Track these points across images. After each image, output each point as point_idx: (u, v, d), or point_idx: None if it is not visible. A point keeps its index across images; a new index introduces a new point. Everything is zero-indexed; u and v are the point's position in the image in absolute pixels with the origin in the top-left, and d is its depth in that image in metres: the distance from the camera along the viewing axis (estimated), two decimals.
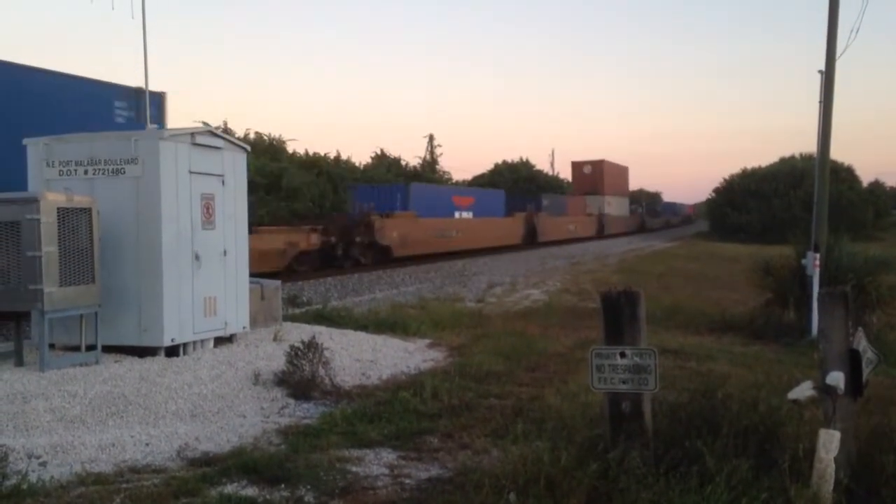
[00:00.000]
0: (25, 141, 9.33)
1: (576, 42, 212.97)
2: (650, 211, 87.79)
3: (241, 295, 10.15)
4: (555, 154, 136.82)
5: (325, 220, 27.22)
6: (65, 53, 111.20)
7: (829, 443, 4.53)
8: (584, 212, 56.92)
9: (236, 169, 10.04)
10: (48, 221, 7.90)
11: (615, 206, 65.52)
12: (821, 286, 11.55)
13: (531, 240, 43.67)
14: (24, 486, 5.01)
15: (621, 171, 70.63)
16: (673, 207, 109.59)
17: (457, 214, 37.26)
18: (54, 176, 9.02)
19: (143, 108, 11.96)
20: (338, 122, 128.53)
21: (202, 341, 9.45)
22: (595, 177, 62.12)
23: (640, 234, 69.06)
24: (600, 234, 57.31)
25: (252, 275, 10.92)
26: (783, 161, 63.76)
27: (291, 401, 7.83)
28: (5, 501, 4.77)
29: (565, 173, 73.59)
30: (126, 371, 8.06)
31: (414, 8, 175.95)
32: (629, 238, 59.99)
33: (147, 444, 6.21)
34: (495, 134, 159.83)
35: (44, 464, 5.66)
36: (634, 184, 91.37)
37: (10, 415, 6.59)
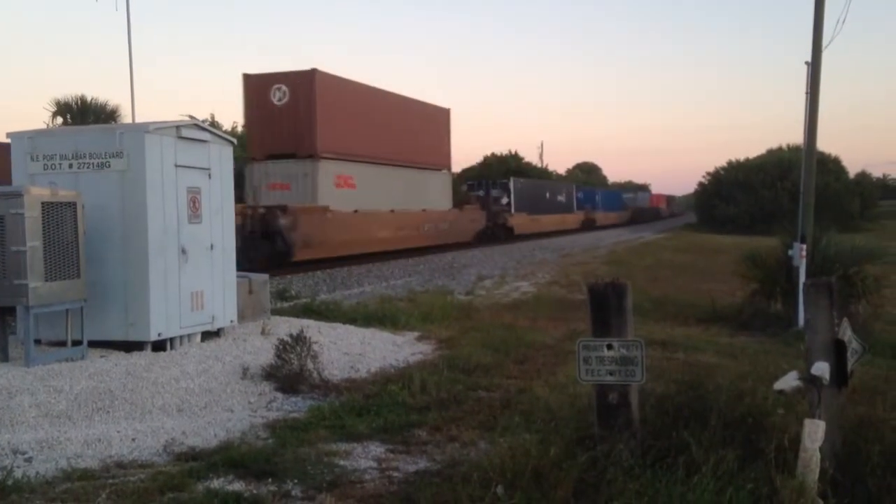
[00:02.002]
0: (9, 134, 9.25)
1: (564, 35, 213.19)
2: (527, 197, 47.36)
3: (229, 289, 10.11)
4: (543, 146, 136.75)
5: None
6: (48, 44, 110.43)
7: (815, 433, 4.55)
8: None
9: (223, 162, 9.98)
10: (32, 216, 7.84)
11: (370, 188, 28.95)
12: (807, 277, 11.60)
13: None
14: (10, 482, 4.98)
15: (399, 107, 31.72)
16: (614, 199, 76.45)
17: None
18: (39, 170, 8.94)
19: None
20: None
21: (189, 336, 9.41)
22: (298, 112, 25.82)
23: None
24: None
25: (242, 269, 10.89)
26: (770, 152, 64.09)
27: (279, 395, 7.81)
28: None
29: (554, 165, 72.84)
30: (112, 366, 8.02)
31: (401, 1, 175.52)
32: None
33: (133, 440, 6.18)
34: (484, 126, 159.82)
35: (29, 460, 5.63)
36: (622, 176, 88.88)
37: None
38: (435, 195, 34.32)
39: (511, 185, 46.02)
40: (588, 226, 60.89)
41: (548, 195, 54.09)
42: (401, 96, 31.77)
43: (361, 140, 27.90)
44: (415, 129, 32.08)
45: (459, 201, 39.12)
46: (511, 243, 39.09)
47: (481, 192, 44.16)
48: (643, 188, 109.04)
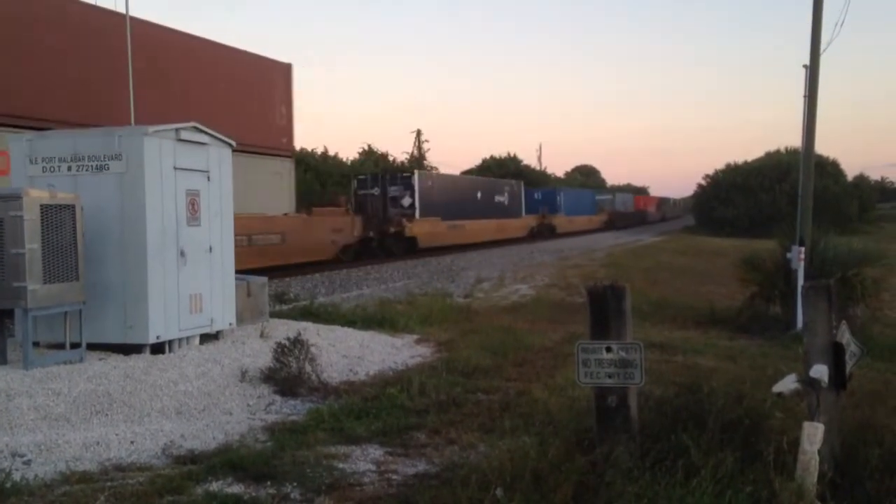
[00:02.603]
0: (8, 137, 9.25)
1: (562, 37, 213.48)
2: (441, 197, 37.27)
3: (228, 291, 10.11)
4: (542, 148, 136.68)
5: None
6: None
7: (813, 435, 4.55)
8: None
9: (222, 165, 9.98)
10: (31, 218, 7.84)
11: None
12: (806, 280, 11.60)
13: None
14: (8, 485, 4.97)
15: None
16: (581, 200, 63.56)
17: None
18: (38, 173, 8.94)
19: None
20: (325, 118, 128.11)
21: (188, 338, 9.40)
22: None
23: None
24: None
25: (241, 271, 10.88)
26: (769, 155, 64.17)
27: (278, 397, 7.81)
28: None
29: (553, 168, 72.13)
30: (111, 369, 8.01)
31: (399, 3, 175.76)
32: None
33: (132, 443, 6.17)
34: (483, 129, 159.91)
35: (28, 462, 5.62)
36: (621, 178, 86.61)
37: None
38: (264, 194, 21.83)
39: (415, 180, 35.40)
40: (543, 233, 49.55)
41: (479, 195, 42.59)
42: (196, 38, 19.94)
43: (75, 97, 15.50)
44: (222, 93, 20.16)
45: (319, 203, 29.30)
46: (402, 261, 28.86)
47: (376, 191, 34.49)
48: (622, 189, 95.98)
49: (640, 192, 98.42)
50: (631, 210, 78.89)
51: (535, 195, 54.32)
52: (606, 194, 77.20)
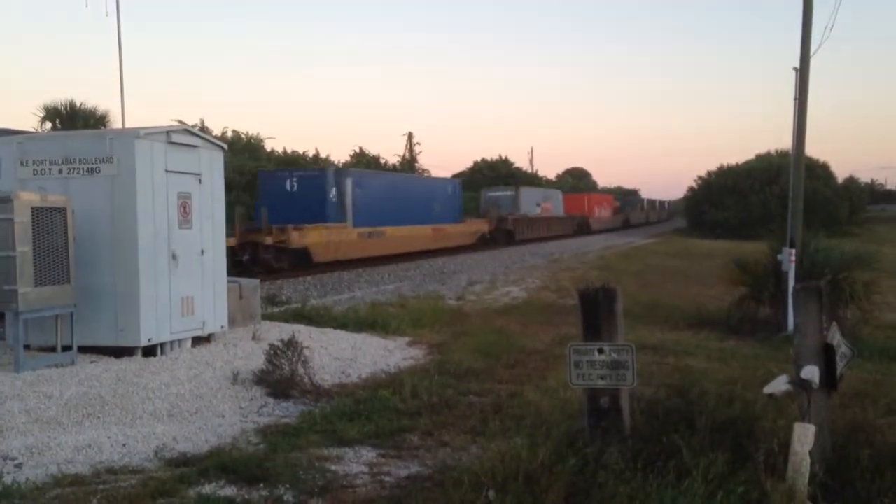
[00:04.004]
0: None
1: (552, 39, 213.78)
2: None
3: (219, 294, 10.09)
4: (533, 151, 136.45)
5: None
6: (37, 49, 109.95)
7: (804, 436, 4.58)
8: None
9: (213, 167, 9.96)
10: (22, 221, 7.81)
11: None
12: (796, 282, 11.66)
13: None
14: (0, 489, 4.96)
15: None
16: (430, 201, 34.59)
17: None
18: (28, 175, 8.91)
19: None
20: (316, 121, 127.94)
21: (180, 341, 9.38)
22: None
23: None
24: None
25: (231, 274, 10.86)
26: (759, 158, 64.39)
27: (270, 400, 7.80)
28: None
29: (545, 170, 69.58)
30: (102, 371, 7.99)
31: (391, 5, 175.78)
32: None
33: (124, 445, 6.16)
34: (474, 132, 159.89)
35: (19, 466, 5.60)
36: (613, 181, 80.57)
37: None
38: None
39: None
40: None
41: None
42: None
43: None
44: None
45: None
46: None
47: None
48: (550, 189, 62.55)
49: (554, 189, 63.67)
50: (558, 215, 54.15)
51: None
52: (507, 191, 48.63)
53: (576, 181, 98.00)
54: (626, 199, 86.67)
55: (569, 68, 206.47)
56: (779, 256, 13.06)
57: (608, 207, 69.28)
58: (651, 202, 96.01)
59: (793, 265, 12.64)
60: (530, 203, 48.92)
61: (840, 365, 5.06)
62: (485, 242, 40.76)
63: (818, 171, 57.49)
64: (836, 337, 5.12)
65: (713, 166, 69.25)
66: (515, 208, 46.03)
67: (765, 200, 54.99)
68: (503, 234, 43.02)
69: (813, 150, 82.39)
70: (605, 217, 66.77)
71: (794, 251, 12.75)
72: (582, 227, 58.41)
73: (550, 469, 4.70)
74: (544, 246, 42.24)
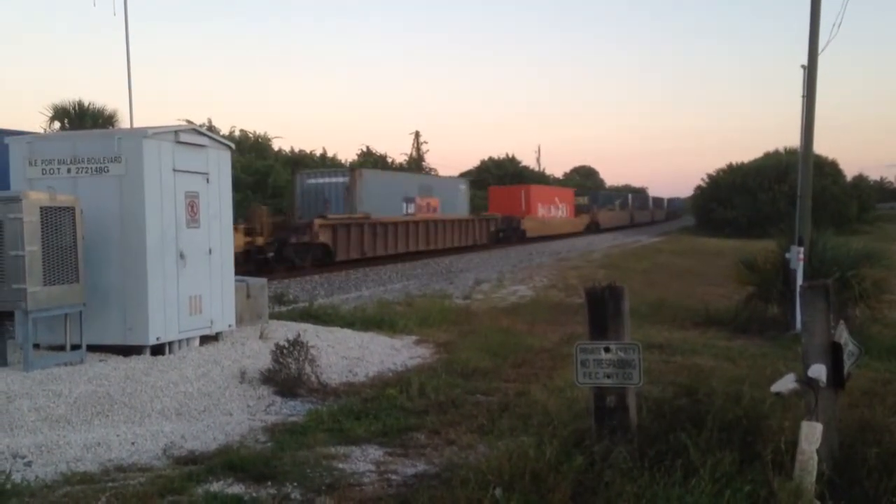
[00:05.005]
0: (8, 139, 9.27)
1: (561, 37, 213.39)
2: None
3: (227, 293, 10.12)
4: (541, 150, 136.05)
5: None
6: (45, 49, 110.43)
7: (812, 435, 4.57)
8: None
9: (221, 167, 10.00)
10: (31, 221, 7.86)
11: None
12: (805, 280, 11.62)
13: None
14: (9, 486, 4.99)
15: None
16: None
17: None
18: (37, 175, 8.96)
19: None
20: (323, 120, 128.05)
21: (188, 340, 9.42)
22: None
23: None
24: None
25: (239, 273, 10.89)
26: (768, 156, 64.16)
27: (278, 398, 7.82)
28: None
29: (552, 169, 66.90)
30: (111, 370, 8.03)
31: (398, 4, 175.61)
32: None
33: (133, 443, 6.19)
34: (481, 130, 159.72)
35: (29, 463, 5.64)
36: (621, 179, 73.65)
37: None
38: None
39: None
40: None
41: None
42: None
43: None
44: None
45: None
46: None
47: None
48: (442, 178, 52.58)
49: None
50: (449, 216, 35.91)
51: None
52: (332, 175, 31.03)
53: (583, 179, 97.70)
54: (606, 195, 69.26)
55: (577, 66, 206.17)
56: (787, 255, 13.01)
57: (563, 205, 52.90)
58: (657, 200, 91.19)
59: (801, 263, 12.59)
60: (383, 197, 30.42)
61: (847, 363, 5.05)
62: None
63: (827, 169, 57.26)
64: (843, 335, 5.10)
65: (722, 164, 68.93)
66: (349, 206, 28.63)
67: (773, 198, 54.76)
68: (300, 254, 24.89)
69: (822, 147, 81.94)
70: (556, 219, 50.72)
71: (802, 249, 12.70)
72: (514, 233, 42.84)
73: (557, 467, 4.70)
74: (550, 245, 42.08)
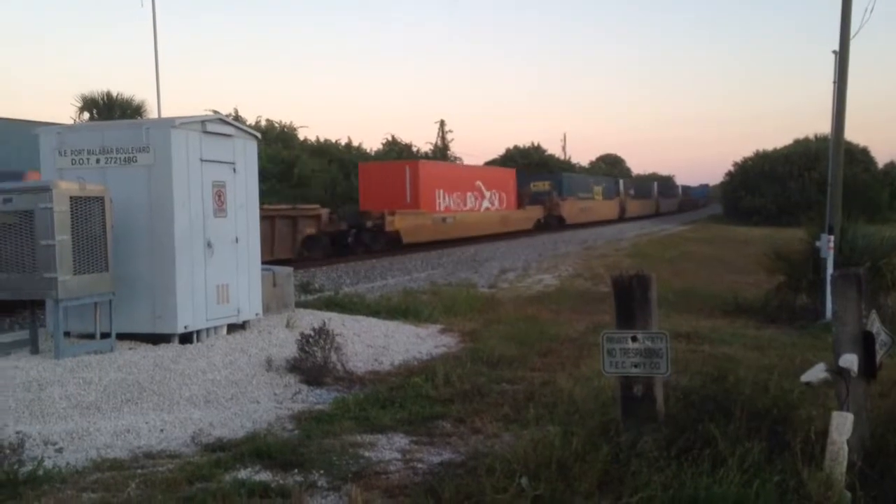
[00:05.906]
0: (37, 129, 9.38)
1: (587, 25, 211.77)
2: None
3: (254, 282, 10.19)
4: (566, 138, 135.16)
5: None
6: (74, 40, 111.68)
7: (842, 425, 4.51)
8: None
9: (247, 156, 10.05)
10: (61, 210, 7.95)
11: None
12: (835, 269, 11.46)
13: None
14: (41, 472, 5.07)
15: None
16: None
17: None
18: (66, 165, 9.06)
19: None
20: (349, 109, 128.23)
21: (215, 328, 9.50)
22: None
23: None
24: None
25: (266, 262, 10.96)
26: (797, 143, 63.19)
27: (304, 387, 7.87)
28: (22, 487, 4.82)
29: (578, 157, 64.50)
30: (140, 358, 8.12)
31: None
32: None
33: (161, 430, 6.26)
34: (507, 118, 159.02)
35: (60, 450, 5.72)
36: (647, 167, 70.44)
37: (26, 402, 6.66)
38: None
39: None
40: None
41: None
42: None
43: None
44: None
45: None
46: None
47: None
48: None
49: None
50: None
51: None
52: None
53: (608, 168, 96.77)
54: (571, 180, 51.14)
55: (604, 54, 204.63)
56: (817, 243, 12.84)
57: (494, 193, 37.27)
58: (686, 188, 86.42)
59: (831, 252, 12.42)
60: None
61: (880, 353, 4.97)
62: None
63: (858, 157, 56.35)
64: (875, 324, 5.02)
65: (750, 151, 68.04)
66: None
67: (803, 186, 54.00)
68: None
69: (853, 134, 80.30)
70: (472, 213, 34.71)
71: (832, 238, 12.53)
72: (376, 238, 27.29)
73: (584, 457, 4.69)
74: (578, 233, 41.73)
